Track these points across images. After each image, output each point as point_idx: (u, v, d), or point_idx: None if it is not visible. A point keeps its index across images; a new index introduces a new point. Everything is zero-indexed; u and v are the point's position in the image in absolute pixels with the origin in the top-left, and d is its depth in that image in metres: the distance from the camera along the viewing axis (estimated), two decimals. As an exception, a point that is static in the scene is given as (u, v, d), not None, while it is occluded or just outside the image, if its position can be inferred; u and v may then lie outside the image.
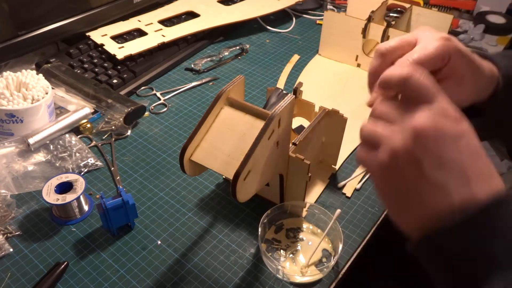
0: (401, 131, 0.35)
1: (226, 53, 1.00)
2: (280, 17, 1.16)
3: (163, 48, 0.94)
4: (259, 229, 0.57)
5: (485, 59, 0.48)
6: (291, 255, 0.59)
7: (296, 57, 1.00)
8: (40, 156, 0.71)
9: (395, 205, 0.38)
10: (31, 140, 0.70)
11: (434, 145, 0.34)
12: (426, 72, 0.36)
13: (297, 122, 0.75)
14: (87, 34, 0.94)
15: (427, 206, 0.34)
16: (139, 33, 0.97)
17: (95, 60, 0.89)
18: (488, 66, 0.47)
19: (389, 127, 0.36)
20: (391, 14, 1.02)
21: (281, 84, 0.92)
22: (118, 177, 0.70)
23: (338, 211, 0.59)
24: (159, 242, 0.61)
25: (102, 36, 0.93)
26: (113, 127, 0.78)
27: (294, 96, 0.54)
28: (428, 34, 0.43)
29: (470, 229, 0.33)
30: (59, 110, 0.79)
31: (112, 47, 0.91)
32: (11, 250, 0.59)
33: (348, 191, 0.68)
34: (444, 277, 0.36)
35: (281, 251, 0.59)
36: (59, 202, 0.59)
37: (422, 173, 0.34)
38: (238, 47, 1.02)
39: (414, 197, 0.35)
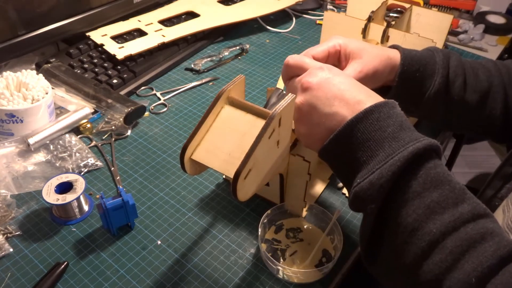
0: (298, 93, 0.52)
1: (226, 53, 1.00)
2: (280, 17, 1.16)
3: (163, 48, 0.94)
4: (259, 229, 0.57)
5: (394, 48, 0.64)
6: (291, 255, 0.59)
7: (296, 57, 1.00)
8: (40, 156, 0.71)
9: (308, 141, 0.52)
10: (31, 140, 0.70)
11: (318, 92, 0.50)
12: (295, 56, 0.56)
13: (297, 122, 0.75)
14: (87, 34, 0.94)
15: (326, 132, 0.49)
16: (139, 33, 0.97)
17: (95, 60, 0.89)
18: (393, 53, 0.62)
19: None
20: (391, 14, 1.02)
21: (281, 84, 0.92)
22: (118, 177, 0.70)
23: (338, 211, 0.59)
24: (159, 242, 0.61)
25: (102, 36, 0.93)
26: (113, 127, 0.78)
27: (294, 96, 0.54)
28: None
29: (341, 139, 0.47)
30: (59, 110, 0.79)
31: (112, 47, 0.91)
32: (11, 250, 0.59)
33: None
34: (337, 172, 0.50)
35: (281, 251, 0.59)
36: (59, 202, 0.59)
37: (320, 113, 0.49)
38: (238, 47, 1.02)
39: (320, 127, 0.49)
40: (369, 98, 0.48)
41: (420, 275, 0.40)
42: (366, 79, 0.59)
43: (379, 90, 0.59)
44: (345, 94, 0.48)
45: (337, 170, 0.50)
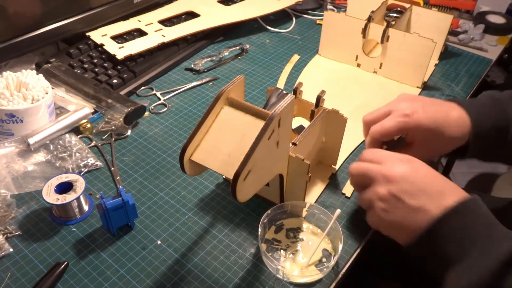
0: (383, 182, 0.52)
1: (226, 53, 1.00)
2: (280, 17, 1.16)
3: (163, 48, 0.94)
4: (259, 229, 0.57)
5: (457, 106, 0.62)
6: (291, 255, 0.59)
7: (296, 57, 1.00)
8: (40, 156, 0.71)
9: (393, 234, 0.53)
10: (31, 140, 0.70)
11: (405, 185, 0.50)
12: (373, 149, 0.58)
13: (297, 122, 0.75)
14: (87, 34, 0.94)
15: (413, 226, 0.49)
16: (139, 33, 0.97)
17: (95, 60, 0.89)
18: (458, 116, 0.61)
19: (373, 187, 0.53)
20: (391, 14, 1.02)
21: (281, 84, 0.92)
22: (118, 177, 0.70)
23: (338, 211, 0.59)
24: (159, 242, 0.61)
25: (102, 36, 0.93)
26: (113, 127, 0.78)
27: (294, 96, 0.54)
28: (396, 108, 0.61)
29: (431, 236, 0.48)
30: (59, 110, 0.79)
31: (112, 47, 0.91)
32: (11, 250, 0.59)
33: (347, 191, 0.68)
34: (425, 265, 0.51)
35: (281, 251, 0.59)
36: (59, 202, 0.59)
37: (405, 205, 0.50)
38: (238, 47, 1.02)
39: (404, 225, 0.50)
40: (453, 192, 0.50)
41: None
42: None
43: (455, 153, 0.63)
44: (429, 187, 0.50)
45: (426, 263, 0.51)
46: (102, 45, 0.91)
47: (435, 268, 0.49)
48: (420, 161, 0.53)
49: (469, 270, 0.45)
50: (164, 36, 0.95)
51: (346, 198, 0.68)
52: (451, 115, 0.61)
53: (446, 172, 1.50)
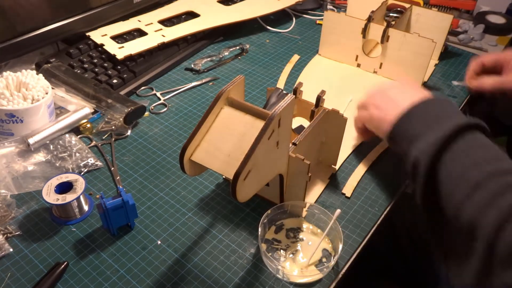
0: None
1: (226, 53, 1.00)
2: (280, 17, 1.16)
3: (163, 48, 0.94)
4: (259, 229, 0.57)
5: None
6: (291, 255, 0.59)
7: (296, 57, 1.00)
8: (40, 156, 0.71)
9: (380, 127, 0.61)
10: (31, 140, 0.70)
11: (393, 89, 0.63)
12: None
13: (297, 122, 0.75)
14: (87, 34, 0.94)
15: (394, 114, 0.58)
16: (139, 33, 0.97)
17: (95, 60, 0.89)
18: None
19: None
20: (391, 14, 1.02)
21: (281, 84, 0.92)
22: (118, 177, 0.70)
23: (338, 211, 0.59)
24: (159, 242, 0.61)
25: (102, 36, 0.93)
26: (113, 127, 0.78)
27: (294, 96, 0.54)
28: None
29: (400, 123, 0.57)
30: (59, 110, 0.79)
31: (112, 47, 0.91)
32: (11, 250, 0.59)
33: (347, 191, 0.68)
34: (398, 151, 0.58)
35: (281, 251, 0.59)
36: (59, 202, 0.59)
37: (389, 101, 0.61)
38: (238, 47, 1.02)
39: (387, 113, 0.60)
40: (427, 93, 0.60)
41: (462, 210, 0.46)
42: None
43: None
44: (410, 91, 0.61)
45: (400, 147, 0.57)
46: (102, 45, 0.91)
47: (406, 148, 0.55)
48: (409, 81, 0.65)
49: (428, 138, 0.52)
50: (164, 36, 0.95)
51: (346, 198, 0.68)
52: None
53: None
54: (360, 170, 0.72)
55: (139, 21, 1.00)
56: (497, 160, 0.48)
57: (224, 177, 0.70)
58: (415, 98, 0.57)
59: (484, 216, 0.44)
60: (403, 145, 0.56)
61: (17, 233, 0.61)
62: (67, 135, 0.74)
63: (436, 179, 0.50)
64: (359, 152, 0.76)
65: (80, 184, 0.62)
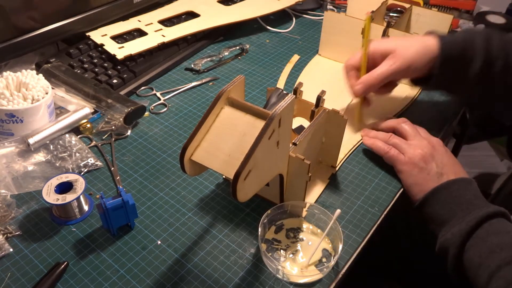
0: (421, 146, 0.67)
1: (226, 53, 1.00)
2: (280, 17, 1.16)
3: (163, 48, 0.94)
4: (259, 229, 0.57)
5: (432, 37, 0.69)
6: (291, 255, 0.59)
7: (296, 57, 1.00)
8: (40, 156, 0.71)
9: (412, 187, 0.66)
10: (31, 140, 0.70)
11: (438, 155, 0.67)
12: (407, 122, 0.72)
13: (297, 122, 0.75)
14: (87, 34, 0.94)
15: (430, 187, 0.64)
16: (139, 33, 0.97)
17: (95, 60, 0.89)
18: (430, 41, 0.69)
19: (412, 144, 0.68)
20: (391, 14, 1.02)
21: (281, 84, 0.92)
22: (118, 177, 0.70)
23: (338, 211, 0.59)
24: (159, 242, 0.61)
25: (102, 36, 0.93)
26: (113, 127, 0.78)
27: (294, 96, 0.54)
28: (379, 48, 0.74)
29: (434, 198, 0.64)
30: (59, 110, 0.79)
31: (112, 47, 0.91)
32: (11, 250, 0.59)
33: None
34: (431, 225, 0.65)
35: (281, 251, 0.59)
36: (59, 202, 0.59)
37: (433, 168, 0.66)
38: (238, 47, 1.02)
39: (425, 182, 0.65)
40: (465, 173, 0.66)
41: None
42: (403, 71, 0.69)
43: (422, 80, 0.71)
44: (452, 164, 0.66)
45: (427, 221, 0.65)
46: (102, 45, 0.91)
47: (433, 228, 0.64)
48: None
49: (453, 225, 0.59)
50: (164, 36, 0.95)
51: (346, 198, 0.68)
52: (423, 42, 0.69)
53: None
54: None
55: (139, 21, 1.00)
56: (510, 247, 0.54)
57: (224, 177, 0.70)
58: (453, 176, 0.64)
59: None
60: (430, 224, 0.64)
61: (17, 233, 0.61)
62: (67, 135, 0.74)
63: (461, 264, 0.57)
64: (359, 152, 0.76)
65: (80, 184, 0.62)
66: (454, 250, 0.57)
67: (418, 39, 0.71)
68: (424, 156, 0.65)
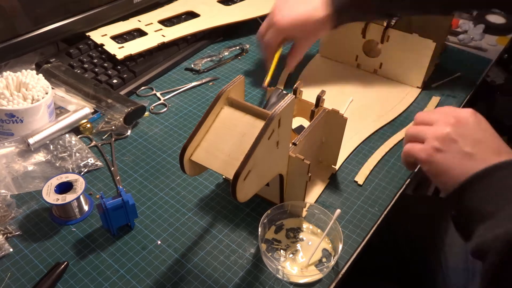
0: (443, 125, 0.52)
1: (226, 53, 1.00)
2: (280, 17, 1.15)
3: (163, 48, 0.94)
4: (259, 229, 0.57)
5: None
6: (291, 255, 0.59)
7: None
8: (40, 156, 0.71)
9: (439, 177, 0.51)
10: (31, 140, 0.70)
11: (465, 131, 0.51)
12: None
13: (297, 122, 0.75)
14: (87, 34, 0.94)
15: (458, 171, 0.49)
16: (139, 33, 0.97)
17: (95, 60, 0.89)
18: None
19: (430, 127, 0.53)
20: (391, 14, 1.02)
21: (281, 84, 0.92)
22: (118, 177, 0.70)
23: (338, 211, 0.59)
24: (159, 242, 0.61)
25: (102, 36, 0.93)
26: (113, 127, 0.78)
27: (294, 96, 0.54)
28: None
29: (478, 185, 0.48)
30: (59, 110, 0.79)
31: (112, 47, 0.91)
32: (11, 250, 0.59)
33: (360, 179, 0.70)
34: (458, 215, 0.51)
35: (281, 251, 0.59)
36: (59, 202, 0.59)
37: (460, 148, 0.50)
38: (238, 47, 1.02)
39: (453, 167, 0.50)
40: (508, 153, 0.50)
41: None
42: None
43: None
44: (487, 141, 0.51)
45: (459, 213, 0.51)
46: (102, 45, 0.91)
47: (465, 221, 0.49)
48: (483, 118, 0.53)
49: (497, 224, 0.45)
50: (164, 36, 0.95)
51: (346, 198, 0.68)
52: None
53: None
54: (374, 159, 0.74)
55: (139, 21, 1.00)
56: None
57: (224, 177, 0.70)
58: (493, 156, 0.49)
59: None
60: (470, 222, 0.49)
61: (17, 233, 0.61)
62: (67, 135, 0.74)
63: (502, 277, 0.45)
64: (359, 152, 0.76)
65: (80, 184, 0.62)
66: (494, 258, 0.45)
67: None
68: (447, 135, 0.50)
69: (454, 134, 0.51)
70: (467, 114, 0.52)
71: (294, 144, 0.59)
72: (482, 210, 0.47)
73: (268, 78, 0.80)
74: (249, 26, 1.10)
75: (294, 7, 0.79)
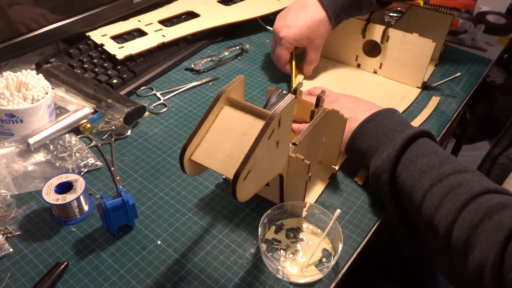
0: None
1: (226, 53, 1.00)
2: (280, 17, 1.15)
3: (163, 48, 0.94)
4: (259, 229, 0.57)
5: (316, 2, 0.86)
6: (291, 255, 0.59)
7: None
8: (40, 156, 0.71)
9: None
10: (31, 140, 0.70)
11: (347, 98, 0.74)
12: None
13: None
14: (87, 34, 0.94)
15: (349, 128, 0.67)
16: (139, 33, 0.97)
17: (95, 60, 0.89)
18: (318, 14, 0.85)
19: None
20: (391, 14, 1.02)
21: (296, 81, 0.92)
22: (118, 177, 0.70)
23: (338, 211, 0.59)
24: (159, 242, 0.61)
25: (102, 36, 0.93)
26: (113, 127, 0.78)
27: (294, 96, 0.54)
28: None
29: (361, 132, 0.66)
30: (59, 110, 0.79)
31: (112, 47, 0.91)
32: (11, 250, 0.59)
33: (360, 179, 0.70)
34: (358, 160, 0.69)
35: (281, 251, 0.59)
36: (59, 202, 0.59)
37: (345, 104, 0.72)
38: (238, 47, 1.02)
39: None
40: (377, 107, 0.69)
41: (421, 216, 0.55)
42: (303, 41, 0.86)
43: None
44: (363, 104, 0.72)
45: (359, 159, 0.68)
46: (102, 45, 0.91)
47: (361, 160, 0.67)
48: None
49: (382, 152, 0.61)
50: (164, 36, 0.95)
51: (346, 198, 0.68)
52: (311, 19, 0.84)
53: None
54: None
55: (139, 21, 1.00)
56: (439, 165, 0.56)
57: (224, 177, 0.70)
58: (366, 113, 0.67)
59: (437, 217, 0.52)
60: (361, 160, 0.67)
61: (17, 233, 0.61)
62: (67, 135, 0.74)
63: (395, 189, 0.60)
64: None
65: (80, 184, 0.62)
66: (386, 175, 0.59)
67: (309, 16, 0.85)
68: (337, 97, 0.73)
69: (341, 97, 0.73)
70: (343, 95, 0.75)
71: (294, 144, 0.59)
72: (369, 149, 0.64)
73: (294, 82, 0.86)
74: (249, 26, 1.10)
75: (295, 18, 0.85)
